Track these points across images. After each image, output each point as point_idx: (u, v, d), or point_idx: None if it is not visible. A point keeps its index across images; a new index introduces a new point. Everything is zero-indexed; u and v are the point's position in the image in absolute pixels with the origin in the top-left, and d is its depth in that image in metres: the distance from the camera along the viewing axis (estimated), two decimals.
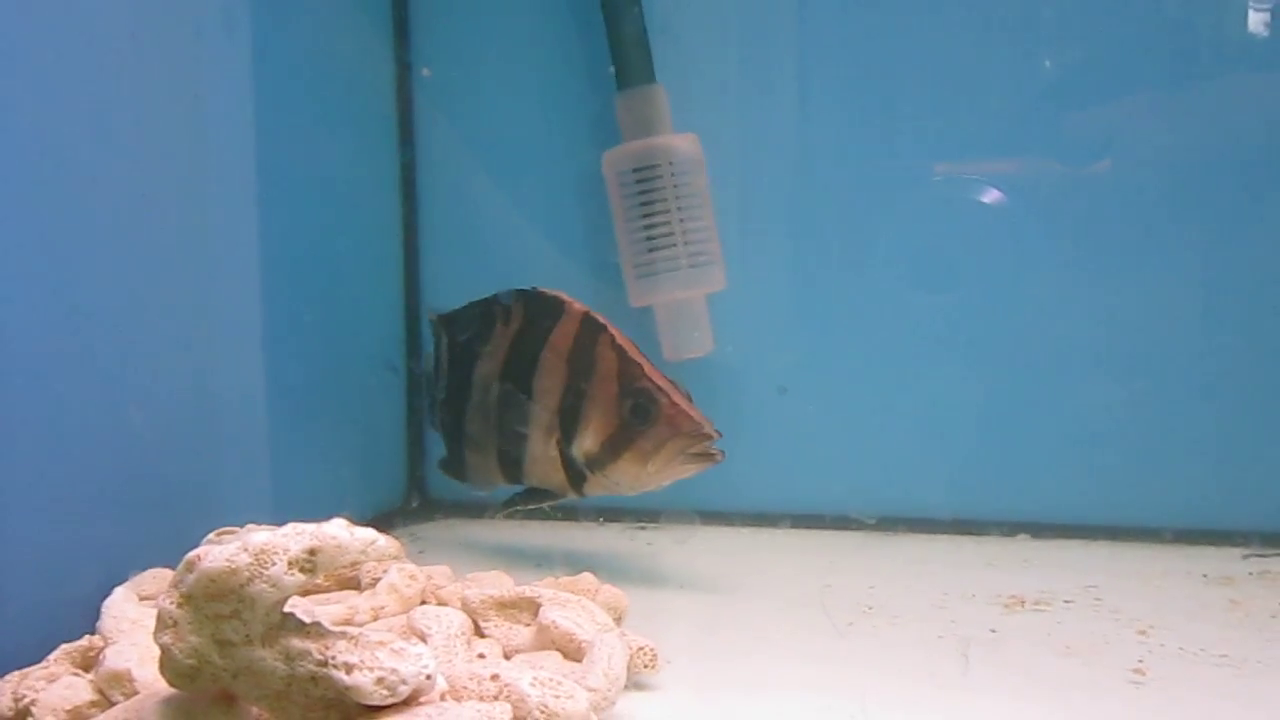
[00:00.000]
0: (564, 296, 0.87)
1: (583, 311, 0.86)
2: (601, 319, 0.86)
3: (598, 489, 0.86)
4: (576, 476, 0.85)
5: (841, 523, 1.00)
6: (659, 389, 0.81)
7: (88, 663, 0.57)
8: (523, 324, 0.88)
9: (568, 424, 0.84)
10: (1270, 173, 0.92)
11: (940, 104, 0.99)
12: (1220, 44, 0.93)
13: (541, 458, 0.86)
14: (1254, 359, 0.93)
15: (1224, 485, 0.94)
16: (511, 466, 0.89)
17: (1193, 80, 0.94)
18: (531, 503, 0.89)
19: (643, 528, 1.03)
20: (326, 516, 0.52)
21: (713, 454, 0.80)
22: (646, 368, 0.83)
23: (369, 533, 0.49)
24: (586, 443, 0.83)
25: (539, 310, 0.87)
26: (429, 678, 0.48)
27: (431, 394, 0.96)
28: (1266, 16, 0.92)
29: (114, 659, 0.54)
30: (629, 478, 0.83)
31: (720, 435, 0.81)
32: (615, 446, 0.82)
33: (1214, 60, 0.94)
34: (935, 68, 0.99)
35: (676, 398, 0.82)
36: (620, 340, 0.84)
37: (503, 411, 0.88)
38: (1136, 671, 0.63)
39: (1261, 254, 0.93)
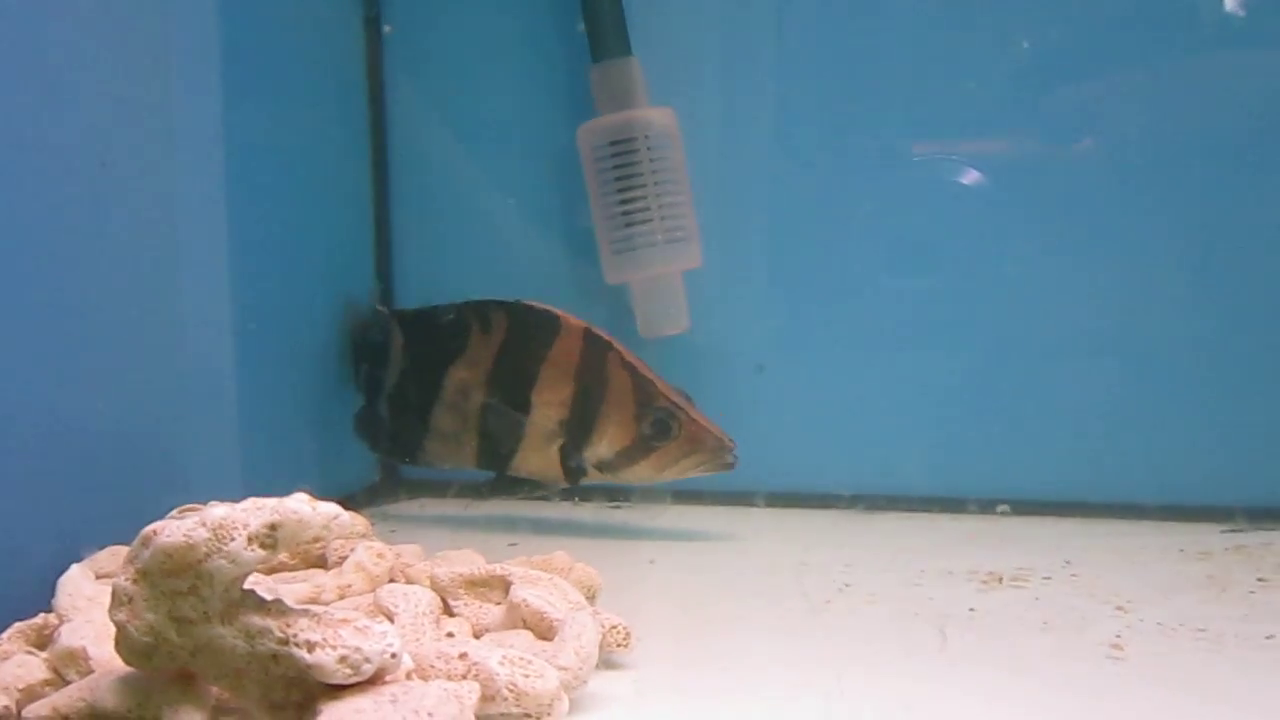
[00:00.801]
0: (557, 311, 0.89)
1: (582, 327, 0.89)
2: (605, 335, 0.89)
3: (596, 480, 0.91)
4: (575, 473, 0.90)
5: (818, 501, 1.00)
6: (677, 406, 0.87)
7: (42, 641, 0.55)
8: (509, 336, 0.90)
9: (576, 434, 0.88)
10: (1250, 153, 0.92)
11: (919, 82, 0.98)
12: (1202, 22, 0.93)
13: (537, 457, 0.90)
14: (1231, 337, 0.93)
15: (1200, 461, 0.94)
16: (493, 459, 0.92)
17: (1175, 59, 0.93)
18: (517, 491, 0.93)
19: (617, 506, 1.02)
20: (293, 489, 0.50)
21: (729, 462, 0.87)
22: (659, 385, 0.88)
23: (331, 507, 0.47)
24: (600, 450, 0.89)
25: (530, 324, 0.90)
26: (394, 656, 0.47)
27: (370, 374, 0.97)
28: None
29: (69, 637, 0.52)
30: (639, 480, 0.90)
31: (735, 444, 0.87)
32: (632, 455, 0.88)
33: (1196, 39, 0.93)
34: (914, 45, 0.98)
35: (694, 413, 0.88)
36: (629, 358, 0.89)
37: (492, 418, 0.90)
38: (1115, 646, 0.62)
39: (1242, 233, 0.93)
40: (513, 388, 0.89)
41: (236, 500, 0.63)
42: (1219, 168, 0.93)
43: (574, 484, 0.91)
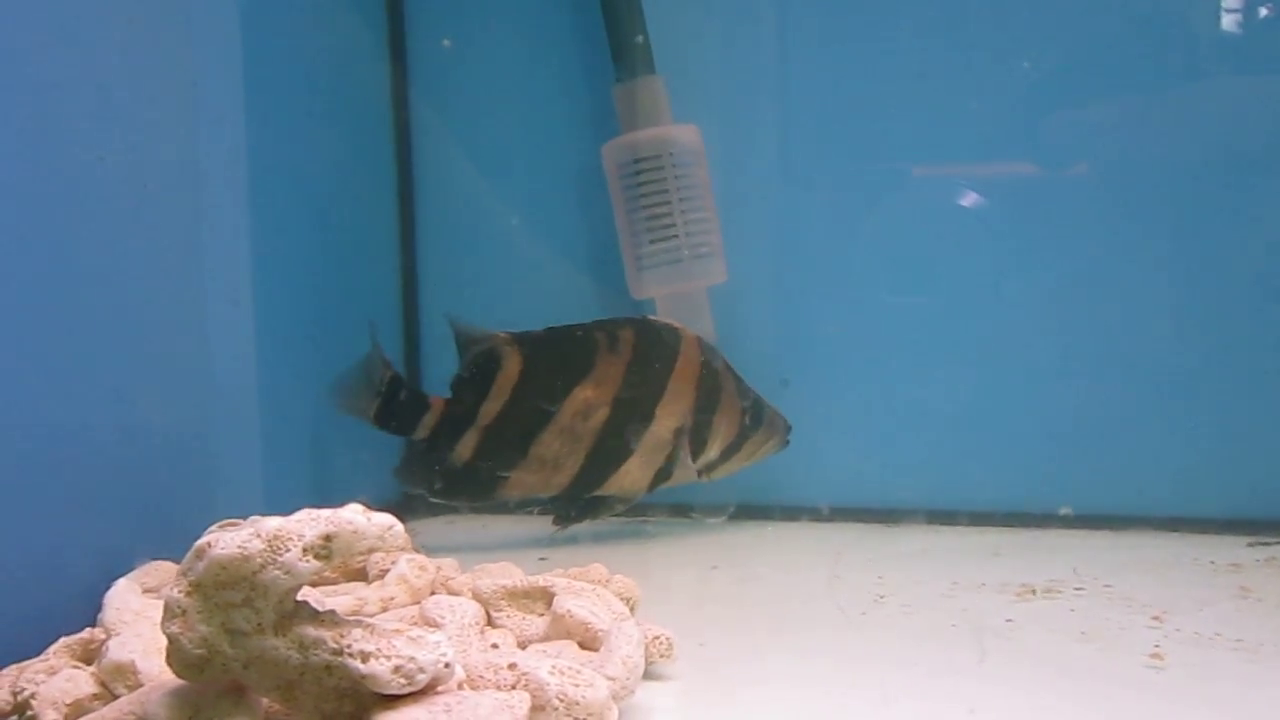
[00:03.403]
0: (675, 324, 0.92)
1: (696, 337, 0.92)
2: (707, 341, 0.92)
3: (672, 484, 0.93)
4: (658, 480, 0.91)
5: (842, 514, 1.00)
6: (758, 394, 0.93)
7: (88, 655, 0.55)
8: (636, 352, 0.90)
9: (695, 440, 0.91)
10: (1243, 174, 0.93)
11: (924, 105, 0.98)
12: (1196, 47, 0.94)
13: (637, 471, 0.91)
14: (1252, 347, 0.93)
15: (1226, 473, 0.94)
16: (590, 481, 0.91)
17: (1169, 83, 0.94)
18: (600, 514, 0.93)
19: (645, 521, 1.02)
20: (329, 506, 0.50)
21: (788, 440, 0.95)
22: (744, 379, 0.94)
23: (386, 518, 0.47)
24: (711, 453, 0.92)
25: (655, 338, 0.91)
26: (447, 666, 0.47)
27: (452, 413, 0.90)
28: (1239, 18, 0.92)
29: (117, 651, 0.52)
30: (725, 474, 0.94)
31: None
32: (729, 451, 0.93)
33: (1190, 63, 0.94)
34: (923, 65, 0.99)
35: (764, 400, 0.94)
36: (726, 360, 0.94)
37: (611, 434, 0.90)
38: (1154, 657, 0.62)
39: (1246, 245, 0.93)
40: (640, 402, 0.90)
41: (262, 514, 0.63)
42: (1215, 190, 0.93)
43: (649, 492, 0.93)
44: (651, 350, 0.90)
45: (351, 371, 0.90)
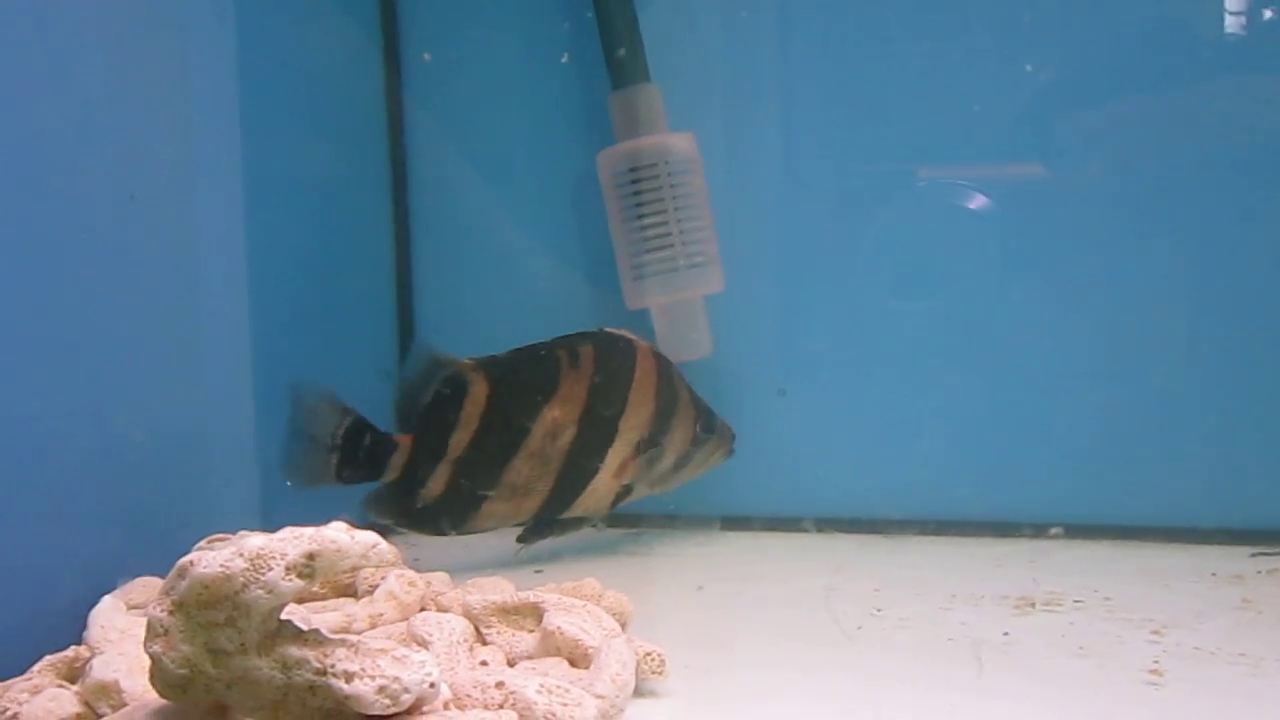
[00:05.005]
0: (629, 334, 0.90)
1: (649, 347, 0.90)
2: (657, 349, 0.91)
3: (632, 500, 0.92)
4: (621, 497, 0.90)
5: (841, 525, 0.99)
6: (709, 405, 0.92)
7: (73, 674, 0.55)
8: (597, 366, 0.88)
9: (654, 453, 0.89)
10: (1255, 177, 0.92)
11: (927, 107, 0.98)
12: (1205, 49, 0.93)
13: (603, 490, 0.89)
14: (1253, 357, 0.92)
15: (1227, 483, 0.93)
16: (559, 504, 0.89)
17: (1179, 85, 0.93)
18: (563, 530, 0.91)
19: (639, 533, 1.01)
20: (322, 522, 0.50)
21: (733, 449, 0.94)
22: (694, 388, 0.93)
23: (370, 536, 0.47)
24: (666, 464, 0.90)
25: (613, 351, 0.89)
26: (432, 686, 0.47)
27: (419, 449, 0.86)
28: (1244, 20, 0.91)
29: (101, 670, 0.52)
30: (675, 485, 0.93)
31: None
32: (682, 461, 0.91)
33: (1200, 65, 0.93)
34: (922, 69, 0.98)
35: (713, 408, 0.93)
36: (679, 370, 0.92)
37: (578, 455, 0.87)
38: (1153, 672, 0.62)
39: (1253, 254, 0.92)
40: (604, 418, 0.87)
41: (256, 526, 0.63)
42: (1227, 193, 0.92)
43: (612, 509, 0.91)
44: (611, 364, 0.88)
45: (295, 435, 0.83)
